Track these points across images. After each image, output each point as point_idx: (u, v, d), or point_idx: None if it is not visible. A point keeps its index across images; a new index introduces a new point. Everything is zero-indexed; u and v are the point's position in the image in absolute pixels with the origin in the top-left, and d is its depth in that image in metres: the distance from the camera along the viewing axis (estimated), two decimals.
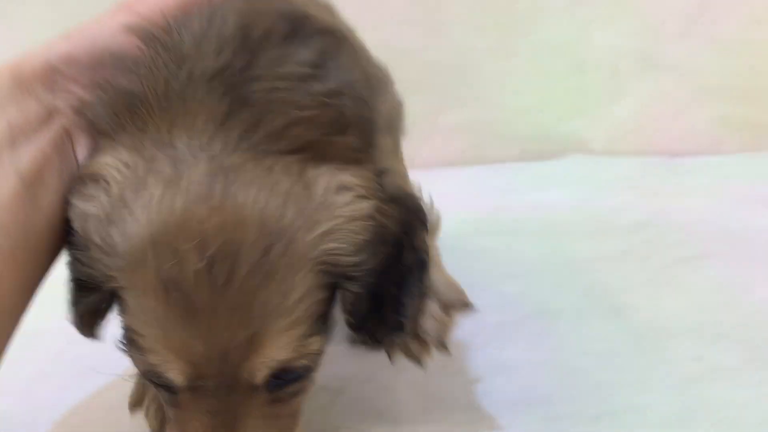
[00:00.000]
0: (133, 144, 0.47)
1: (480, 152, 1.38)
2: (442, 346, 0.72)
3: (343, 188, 0.47)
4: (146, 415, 0.62)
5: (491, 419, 0.60)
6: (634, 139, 1.40)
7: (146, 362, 0.46)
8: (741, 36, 1.41)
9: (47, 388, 0.70)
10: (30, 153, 0.47)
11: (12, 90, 0.48)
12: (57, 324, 0.80)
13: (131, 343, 0.46)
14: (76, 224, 0.46)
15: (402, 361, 0.69)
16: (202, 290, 0.42)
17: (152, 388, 0.56)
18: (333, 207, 0.46)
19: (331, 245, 0.45)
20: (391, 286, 0.49)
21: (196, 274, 0.42)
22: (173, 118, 0.47)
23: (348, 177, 0.47)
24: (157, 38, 0.49)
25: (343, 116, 0.50)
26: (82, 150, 0.50)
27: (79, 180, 0.47)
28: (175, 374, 0.45)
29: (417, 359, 0.69)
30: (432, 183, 0.99)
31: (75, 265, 0.47)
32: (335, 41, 0.53)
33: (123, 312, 0.47)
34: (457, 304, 0.75)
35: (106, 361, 0.72)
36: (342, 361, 0.69)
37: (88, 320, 0.50)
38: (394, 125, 0.66)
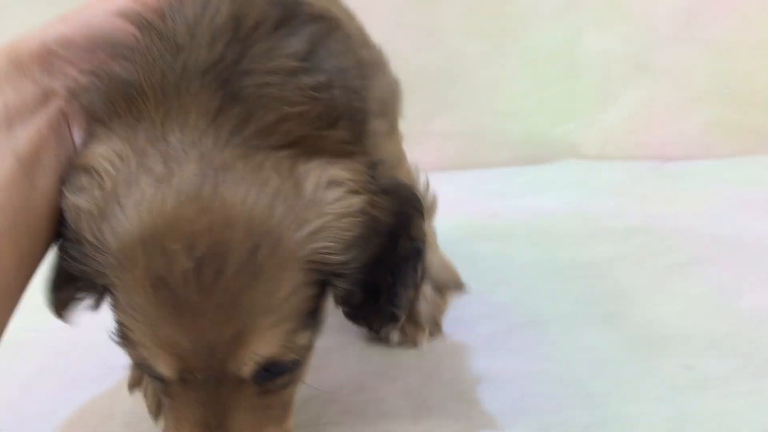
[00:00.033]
0: (126, 135, 0.47)
1: (472, 156, 1.39)
2: (436, 327, 0.73)
3: (333, 184, 0.47)
4: (144, 395, 0.63)
5: (482, 429, 0.60)
6: (627, 143, 1.41)
7: (137, 355, 0.47)
8: (732, 40, 1.42)
9: (35, 399, 0.69)
10: (27, 134, 0.48)
11: (8, 71, 0.49)
12: (44, 335, 0.81)
13: (123, 336, 0.47)
14: (69, 218, 0.47)
15: (393, 371, 0.69)
16: (190, 289, 0.43)
17: None
18: (322, 204, 0.46)
19: (320, 244, 0.46)
20: (386, 275, 0.50)
21: (185, 274, 0.43)
22: (168, 110, 0.47)
23: (338, 171, 0.48)
24: (151, 25, 0.50)
25: (333, 109, 0.50)
26: (79, 132, 0.50)
27: (72, 169, 0.48)
28: (164, 367, 0.46)
29: (413, 342, 0.72)
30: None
31: (66, 259, 0.48)
32: (327, 27, 0.54)
33: (114, 307, 0.47)
34: (451, 285, 0.75)
35: (93, 371, 0.73)
36: (332, 370, 0.69)
37: (66, 306, 0.51)
38: (389, 107, 0.66)
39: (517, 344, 0.72)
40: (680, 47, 1.40)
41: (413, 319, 0.73)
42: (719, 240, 0.95)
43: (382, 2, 1.35)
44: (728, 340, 0.69)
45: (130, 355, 0.49)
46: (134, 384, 0.66)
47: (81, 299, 0.50)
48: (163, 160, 0.45)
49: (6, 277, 0.47)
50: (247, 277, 0.43)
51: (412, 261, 0.51)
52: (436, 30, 1.40)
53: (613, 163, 1.33)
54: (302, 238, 0.45)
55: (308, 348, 0.51)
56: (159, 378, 0.48)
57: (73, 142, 0.50)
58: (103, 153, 0.47)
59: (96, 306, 0.50)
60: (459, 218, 1.10)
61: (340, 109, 0.50)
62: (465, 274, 0.90)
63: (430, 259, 0.56)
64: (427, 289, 0.74)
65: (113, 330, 0.48)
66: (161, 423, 0.58)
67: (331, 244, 0.46)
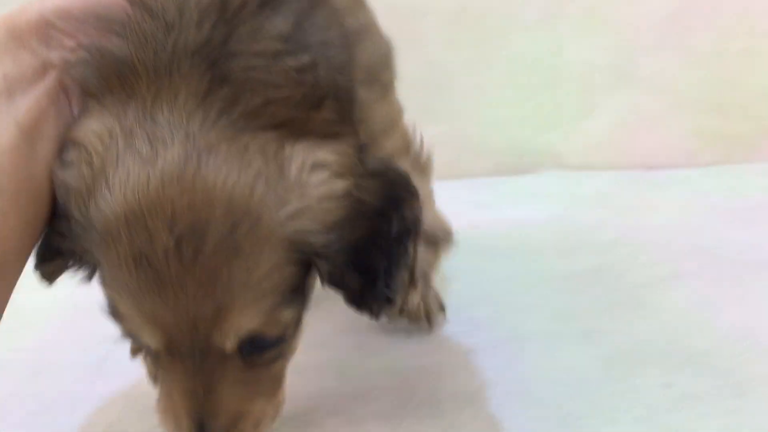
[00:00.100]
0: (117, 112, 0.48)
1: (454, 166, 1.38)
2: (427, 281, 0.74)
3: (318, 166, 0.48)
4: (144, 360, 0.64)
5: None
6: (609, 152, 1.40)
7: (126, 328, 0.50)
8: (714, 49, 1.42)
9: (8, 423, 0.68)
10: (27, 104, 0.49)
11: (7, 43, 0.50)
12: (20, 355, 0.80)
13: (113, 309, 0.49)
14: (59, 194, 0.49)
15: (369, 392, 0.68)
16: (170, 266, 0.44)
17: None
18: (305, 186, 0.47)
19: (301, 224, 0.47)
20: (381, 258, 0.50)
21: (165, 251, 0.44)
22: (159, 89, 0.48)
23: (324, 154, 0.49)
24: (142, 1, 0.50)
25: (318, 90, 0.51)
26: (77, 103, 0.51)
27: (64, 143, 0.49)
28: (150, 340, 0.48)
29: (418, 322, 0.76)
30: None
31: (55, 234, 0.50)
32: (310, 1, 0.54)
33: (101, 282, 0.50)
34: (442, 238, 0.74)
35: (68, 393, 0.72)
36: (308, 391, 0.68)
37: (52, 275, 0.54)
38: (379, 72, 0.66)
39: (495, 363, 0.72)
40: (662, 56, 1.41)
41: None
42: (700, 252, 0.94)
43: None
44: (706, 357, 0.69)
45: (120, 328, 0.50)
46: (135, 351, 0.68)
47: (69, 272, 0.53)
48: (149, 141, 0.46)
49: (12, 240, 0.48)
50: (226, 254, 0.45)
51: (403, 242, 0.51)
52: (418, 40, 1.39)
53: (596, 173, 1.33)
54: (282, 218, 0.46)
55: (294, 325, 0.52)
56: (148, 350, 0.51)
57: (72, 113, 0.51)
58: (94, 129, 0.48)
59: (89, 278, 0.52)
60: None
61: (325, 90, 0.51)
62: (444, 291, 0.90)
63: (425, 215, 0.56)
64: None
65: (104, 303, 0.50)
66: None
67: (313, 225, 0.47)
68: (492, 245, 1.04)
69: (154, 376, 0.61)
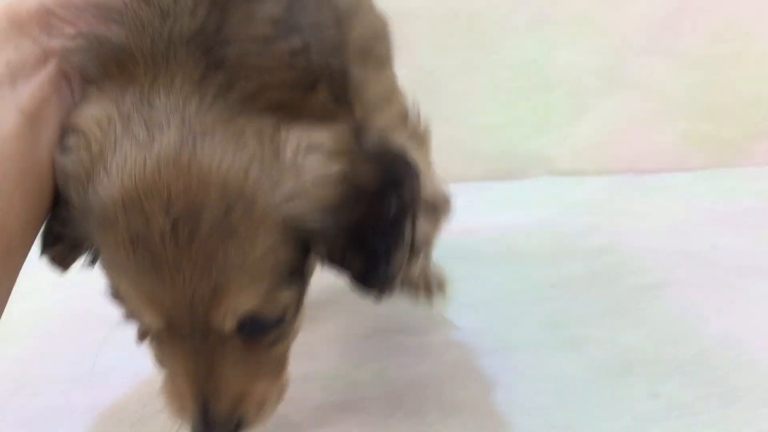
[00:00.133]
0: (116, 98, 0.49)
1: (444, 171, 1.36)
2: (428, 248, 0.73)
3: (313, 148, 0.48)
4: (150, 345, 0.65)
5: None
6: (599, 156, 1.41)
7: (127, 309, 0.50)
8: (704, 52, 1.42)
9: None
10: (29, 90, 0.49)
11: (8, 31, 0.50)
12: (2, 368, 0.79)
13: (114, 291, 0.50)
14: (59, 180, 0.50)
15: (356, 403, 0.68)
16: (167, 248, 0.45)
17: None
18: (300, 169, 0.47)
19: (296, 207, 0.47)
20: (381, 239, 0.50)
21: (162, 233, 0.45)
22: (156, 75, 0.48)
23: (319, 136, 0.49)
24: None
25: (311, 72, 0.51)
26: (78, 90, 0.52)
27: (64, 129, 0.50)
28: (151, 321, 0.49)
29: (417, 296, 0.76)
30: None
31: (57, 221, 0.51)
32: None
33: (102, 264, 0.51)
34: (442, 208, 0.74)
35: (50, 408, 0.71)
36: (295, 402, 0.67)
37: (59, 262, 0.55)
38: (373, 48, 0.65)
39: (483, 373, 0.72)
40: (651, 60, 1.41)
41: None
42: (689, 259, 0.95)
43: None
44: (694, 366, 0.69)
45: (122, 309, 0.51)
46: (141, 337, 0.68)
47: (74, 256, 0.54)
48: (146, 126, 0.47)
49: (18, 222, 0.49)
50: (221, 236, 0.45)
51: (400, 222, 0.51)
52: (408, 45, 1.39)
53: (586, 178, 1.33)
54: (277, 200, 0.47)
55: (293, 307, 0.52)
56: (150, 331, 0.52)
57: (74, 100, 0.52)
58: (93, 115, 0.49)
59: (92, 263, 0.54)
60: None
61: (318, 72, 0.51)
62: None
63: (425, 184, 0.56)
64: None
65: (106, 286, 0.51)
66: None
67: (308, 207, 0.47)
68: (481, 252, 1.04)
69: (160, 361, 0.62)
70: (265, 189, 0.46)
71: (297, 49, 0.51)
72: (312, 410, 0.67)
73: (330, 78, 0.52)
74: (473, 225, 1.14)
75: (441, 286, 0.81)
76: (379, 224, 0.50)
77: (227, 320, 0.48)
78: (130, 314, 0.51)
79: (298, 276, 0.51)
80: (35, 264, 0.53)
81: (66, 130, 0.50)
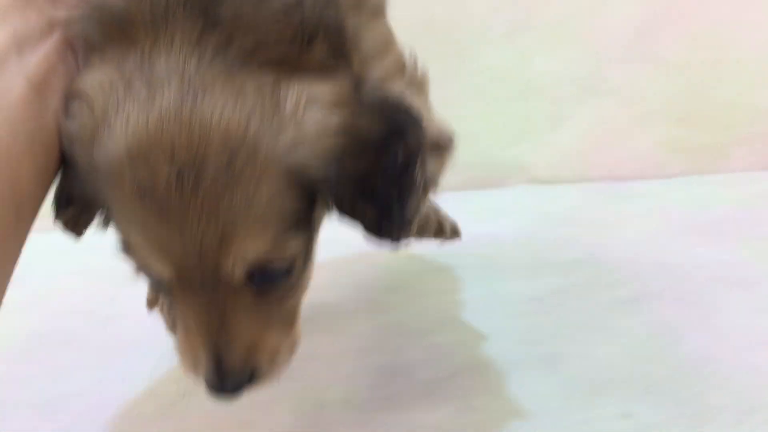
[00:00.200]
0: (118, 62, 0.50)
1: None
2: (435, 185, 0.71)
3: (313, 101, 0.49)
4: (161, 311, 0.67)
5: None
6: (578, 164, 1.40)
7: (138, 261, 0.52)
8: (681, 59, 1.42)
9: None
10: (36, 59, 0.51)
11: (14, 2, 0.52)
12: None
13: (125, 245, 0.52)
14: (65, 145, 0.51)
15: (325, 427, 0.67)
16: (172, 196, 0.46)
17: None
18: (301, 120, 0.48)
19: (298, 156, 0.48)
20: (391, 187, 0.51)
21: (167, 182, 0.46)
22: (156, 38, 0.49)
23: (320, 89, 0.50)
24: None
25: (307, 27, 0.51)
26: (83, 59, 0.53)
27: (68, 96, 0.51)
28: (161, 270, 0.50)
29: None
30: None
31: (66, 184, 0.53)
32: None
33: (112, 220, 0.52)
34: (446, 144, 0.74)
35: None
36: (261, 426, 0.67)
37: (72, 226, 0.57)
38: None
39: (455, 393, 0.70)
40: (629, 68, 1.41)
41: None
42: (665, 271, 0.94)
43: None
44: (667, 385, 0.68)
45: (132, 263, 0.53)
46: (152, 303, 0.72)
47: (86, 217, 0.55)
48: (147, 86, 0.48)
49: (28, 186, 0.50)
50: (226, 183, 0.46)
51: (410, 169, 0.52)
52: None
53: (565, 187, 1.32)
54: (280, 149, 0.48)
55: (301, 258, 0.53)
56: (162, 283, 0.52)
57: (79, 68, 0.53)
58: (96, 80, 0.50)
59: (104, 225, 0.55)
60: (405, 251, 1.09)
61: (313, 26, 0.51)
62: (407, 313, 0.89)
63: (427, 125, 0.56)
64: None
65: (118, 242, 0.52)
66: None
67: (311, 157, 0.48)
68: (457, 264, 1.03)
69: (173, 325, 0.62)
70: (267, 138, 0.47)
71: (291, 3, 0.51)
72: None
73: (326, 31, 0.52)
74: None
75: (454, 230, 0.90)
76: (388, 173, 0.51)
77: (236, 268, 0.49)
78: (141, 267, 0.52)
79: (305, 227, 0.52)
80: None
81: (70, 96, 0.51)
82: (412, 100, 0.56)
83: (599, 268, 0.97)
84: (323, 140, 0.49)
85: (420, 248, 1.06)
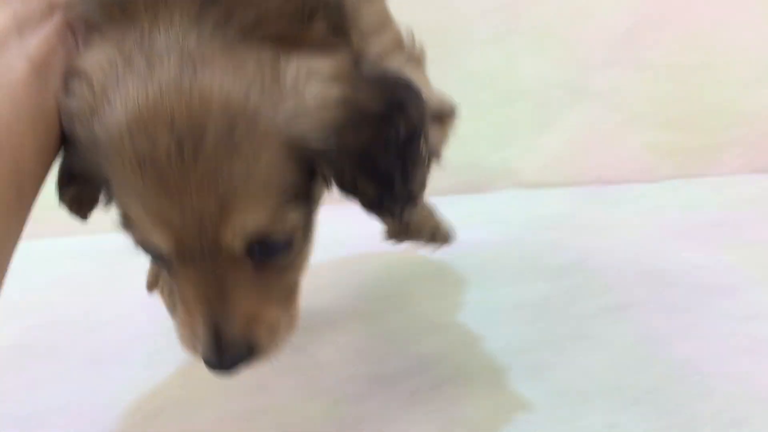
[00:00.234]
0: (117, 40, 0.50)
1: None
2: (437, 156, 0.72)
3: (313, 74, 0.49)
4: (161, 293, 0.67)
5: None
6: (565, 168, 1.40)
7: (138, 235, 0.51)
8: (667, 62, 1.42)
9: None
10: (37, 41, 0.51)
11: None
12: None
13: (125, 220, 0.52)
14: (65, 122, 0.51)
15: None
16: (173, 165, 0.46)
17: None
18: (301, 92, 0.49)
19: (298, 126, 0.48)
20: (394, 162, 0.51)
21: (167, 151, 0.46)
22: (155, 15, 0.49)
23: (320, 64, 0.50)
24: None
25: (307, 3, 0.52)
26: (83, 40, 0.53)
27: (68, 75, 0.51)
28: (161, 242, 0.50)
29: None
30: (357, 220, 0.97)
31: (67, 161, 0.53)
32: None
33: (113, 194, 0.52)
34: (448, 113, 0.75)
35: None
36: None
37: (77, 207, 0.57)
38: None
39: (439, 404, 0.70)
40: (615, 71, 1.40)
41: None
42: (650, 277, 0.94)
43: None
44: (652, 395, 0.68)
45: (133, 238, 0.52)
46: (152, 285, 0.72)
47: (88, 195, 0.55)
48: (147, 60, 0.48)
49: (30, 164, 0.50)
50: (226, 152, 0.46)
51: (414, 143, 0.52)
52: None
53: (552, 191, 1.32)
54: (280, 120, 0.48)
55: (300, 231, 0.53)
56: (162, 258, 0.52)
57: (79, 50, 0.53)
58: (95, 59, 0.50)
59: (107, 203, 0.55)
60: (391, 256, 1.08)
61: (313, 2, 0.52)
62: (393, 322, 0.88)
63: (428, 97, 0.57)
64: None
65: (118, 218, 0.53)
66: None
67: (311, 128, 0.49)
68: (444, 271, 1.03)
69: (173, 307, 0.62)
70: (267, 109, 0.47)
71: None
72: None
73: (326, 8, 0.52)
74: None
75: (448, 234, 0.91)
76: (390, 147, 0.51)
77: (236, 239, 0.49)
78: (141, 241, 0.52)
79: (305, 201, 0.52)
80: None
81: (69, 74, 0.51)
82: (412, 73, 0.57)
83: (586, 275, 0.96)
84: (323, 112, 0.49)
85: (407, 254, 1.06)
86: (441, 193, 1.34)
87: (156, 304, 0.97)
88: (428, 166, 0.59)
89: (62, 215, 0.58)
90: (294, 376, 0.76)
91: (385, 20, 0.71)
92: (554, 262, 1.03)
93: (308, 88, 0.49)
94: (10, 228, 0.51)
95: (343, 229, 0.96)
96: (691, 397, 0.67)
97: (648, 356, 0.74)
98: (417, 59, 0.73)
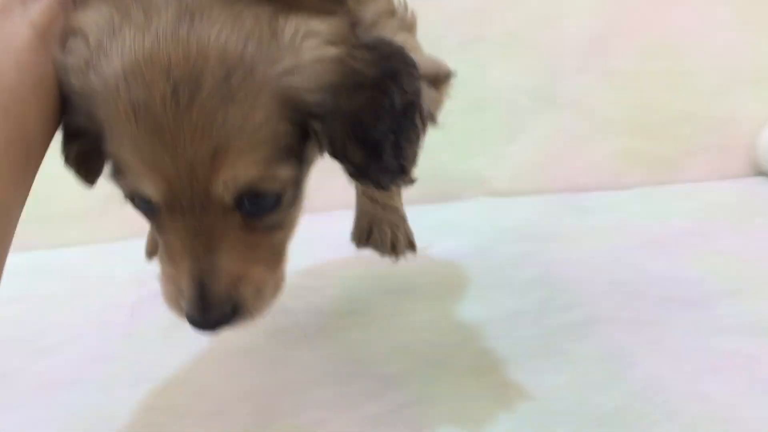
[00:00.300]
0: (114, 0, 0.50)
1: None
2: (434, 120, 0.73)
3: (310, 34, 0.50)
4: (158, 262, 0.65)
5: None
6: (536, 176, 1.39)
7: (128, 184, 0.51)
8: (635, 70, 1.42)
9: None
10: (39, 8, 0.52)
11: None
12: None
13: (117, 170, 0.52)
14: (61, 78, 0.51)
15: None
16: (168, 111, 0.47)
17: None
18: (298, 49, 0.49)
19: (293, 80, 0.49)
20: (386, 131, 0.51)
21: (163, 97, 0.47)
22: None
23: (317, 25, 0.51)
24: None
25: None
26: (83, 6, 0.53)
27: (63, 34, 0.52)
28: (151, 189, 0.50)
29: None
30: (328, 228, 0.94)
31: (66, 118, 0.53)
32: None
33: (106, 144, 0.51)
34: (443, 77, 0.75)
35: None
36: None
37: (81, 168, 0.57)
38: None
39: (401, 429, 0.68)
40: (584, 79, 1.40)
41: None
42: (618, 291, 0.93)
43: None
44: (618, 416, 0.66)
45: (123, 188, 0.52)
46: (150, 253, 0.74)
47: (90, 154, 0.54)
48: (144, 12, 0.48)
49: (35, 127, 0.51)
50: (221, 99, 0.47)
51: (410, 115, 0.52)
52: None
53: (521, 200, 1.31)
54: (275, 73, 0.49)
55: (291, 189, 0.53)
56: (151, 211, 0.52)
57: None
58: (91, 16, 0.50)
59: (92, 161, 0.55)
60: (357, 269, 1.06)
61: None
62: (356, 341, 0.86)
63: (418, 60, 0.56)
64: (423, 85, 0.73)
65: (109, 170, 0.53)
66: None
67: (306, 83, 0.49)
68: (411, 285, 1.01)
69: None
70: (264, 61, 0.48)
71: None
72: None
73: None
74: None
75: (410, 245, 0.89)
76: (382, 116, 0.51)
77: (227, 190, 0.49)
78: (131, 191, 0.52)
79: (297, 159, 0.52)
80: None
81: (66, 33, 0.51)
82: (405, 40, 0.58)
83: (552, 289, 0.95)
84: (319, 70, 0.50)
85: (372, 268, 1.04)
86: (409, 203, 1.33)
87: (112, 323, 0.95)
88: (424, 133, 0.58)
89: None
90: (251, 399, 0.73)
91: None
92: (522, 275, 1.01)
93: (305, 45, 0.50)
94: (18, 192, 0.51)
95: (307, 240, 0.94)
96: (655, 419, 0.65)
97: (614, 374, 0.73)
98: (409, 25, 0.74)
